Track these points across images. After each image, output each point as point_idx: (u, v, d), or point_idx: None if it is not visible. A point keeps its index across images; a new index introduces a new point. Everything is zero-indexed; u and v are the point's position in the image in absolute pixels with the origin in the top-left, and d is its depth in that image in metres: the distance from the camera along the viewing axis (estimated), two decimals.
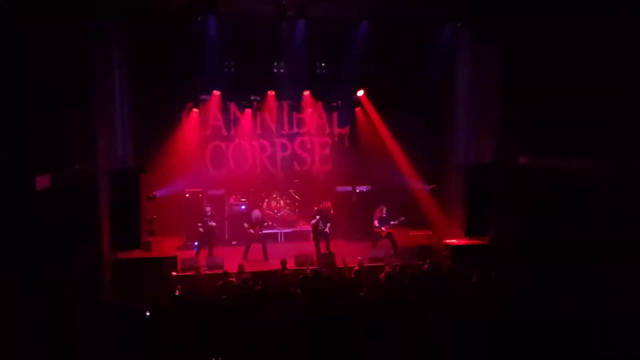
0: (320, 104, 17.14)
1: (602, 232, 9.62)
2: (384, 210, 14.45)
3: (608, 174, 9.44)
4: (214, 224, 14.02)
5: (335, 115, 17.20)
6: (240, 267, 11.85)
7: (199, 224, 13.89)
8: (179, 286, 10.32)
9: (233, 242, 15.40)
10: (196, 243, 14.23)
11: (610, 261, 9.49)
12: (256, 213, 14.30)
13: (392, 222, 14.24)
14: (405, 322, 7.29)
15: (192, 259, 12.97)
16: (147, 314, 7.83)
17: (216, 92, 15.84)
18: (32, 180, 8.10)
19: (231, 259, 13.34)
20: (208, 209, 14.11)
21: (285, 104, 17.16)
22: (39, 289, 8.40)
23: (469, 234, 12.88)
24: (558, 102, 11.08)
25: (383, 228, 14.17)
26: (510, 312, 8.05)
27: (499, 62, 12.90)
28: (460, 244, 13.39)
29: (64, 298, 9.13)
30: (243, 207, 15.73)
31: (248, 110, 16.58)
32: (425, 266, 11.65)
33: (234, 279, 10.66)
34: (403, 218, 14.66)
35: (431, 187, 16.04)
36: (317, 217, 14.07)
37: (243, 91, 15.65)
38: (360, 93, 16.45)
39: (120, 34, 12.28)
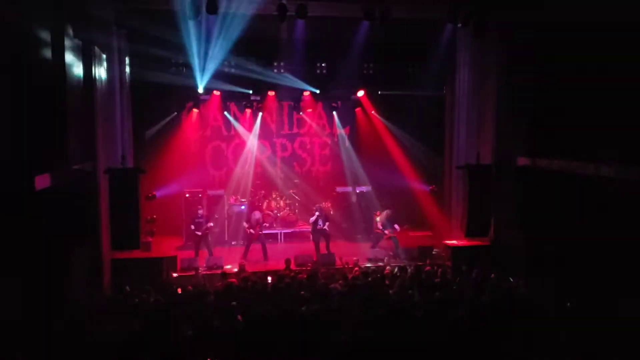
0: (320, 104, 17.16)
1: (604, 233, 9.60)
2: (390, 214, 14.34)
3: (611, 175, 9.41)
4: (211, 224, 13.98)
5: (335, 115, 17.19)
6: (241, 267, 11.84)
7: (192, 227, 13.75)
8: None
9: (233, 242, 15.39)
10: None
11: (612, 262, 9.49)
12: (256, 214, 14.28)
13: (396, 227, 14.14)
14: None
15: (191, 259, 12.95)
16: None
17: (216, 92, 15.85)
18: (31, 180, 8.08)
19: (231, 259, 13.35)
20: (201, 211, 13.94)
21: (285, 105, 17.19)
22: (39, 288, 8.39)
23: (469, 234, 12.85)
24: (558, 102, 11.08)
25: (386, 232, 14.10)
26: (512, 312, 8.06)
27: (499, 62, 12.89)
28: (460, 245, 13.37)
29: (64, 298, 9.12)
30: (243, 207, 15.71)
31: (248, 111, 16.58)
32: (427, 268, 11.65)
33: (234, 280, 10.63)
34: (407, 226, 14.62)
35: (431, 187, 16.04)
36: (317, 214, 14.04)
37: (243, 91, 15.61)
38: (360, 93, 16.45)
39: (120, 33, 12.25)
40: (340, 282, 10.23)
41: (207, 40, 13.45)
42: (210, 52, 13.75)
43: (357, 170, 16.76)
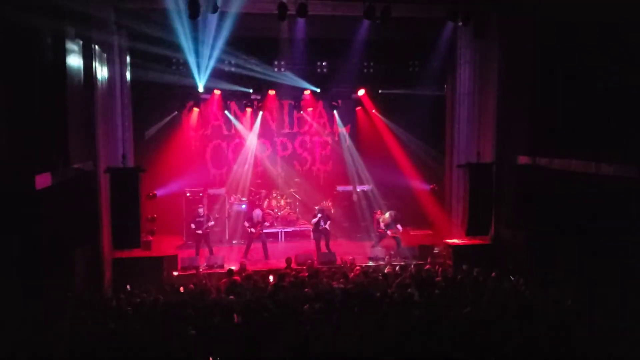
0: (320, 103, 17.15)
1: (604, 231, 9.60)
2: (394, 215, 14.24)
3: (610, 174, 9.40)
4: (211, 223, 13.95)
5: (335, 114, 17.19)
6: (242, 265, 11.82)
7: (193, 226, 13.68)
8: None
9: (233, 241, 15.38)
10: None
11: (612, 260, 9.49)
12: (257, 213, 14.26)
13: (399, 227, 14.08)
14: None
15: (192, 258, 12.95)
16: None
17: (217, 91, 15.84)
18: (32, 179, 8.09)
19: (232, 258, 13.36)
20: (201, 210, 13.85)
21: (285, 103, 17.18)
22: (40, 287, 8.40)
23: (469, 233, 12.85)
24: (559, 101, 11.07)
25: (389, 232, 14.03)
26: (513, 311, 8.06)
27: (500, 61, 12.88)
28: (460, 244, 13.36)
29: (66, 297, 9.13)
30: (243, 206, 15.71)
31: (249, 110, 16.57)
32: (427, 266, 11.66)
33: (238, 277, 10.64)
34: (409, 228, 14.78)
35: (432, 186, 16.02)
36: (319, 215, 14.02)
37: (244, 90, 15.61)
38: (361, 92, 16.43)
39: (120, 33, 12.26)
40: (342, 280, 10.24)
41: (206, 39, 13.44)
42: (209, 51, 13.74)
43: (359, 169, 16.77)
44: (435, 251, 13.74)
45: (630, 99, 9.20)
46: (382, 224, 14.18)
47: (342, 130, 17.43)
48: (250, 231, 13.98)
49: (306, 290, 9.31)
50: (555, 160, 10.99)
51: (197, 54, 13.82)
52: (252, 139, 16.72)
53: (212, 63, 14.18)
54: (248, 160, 16.78)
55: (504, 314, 7.91)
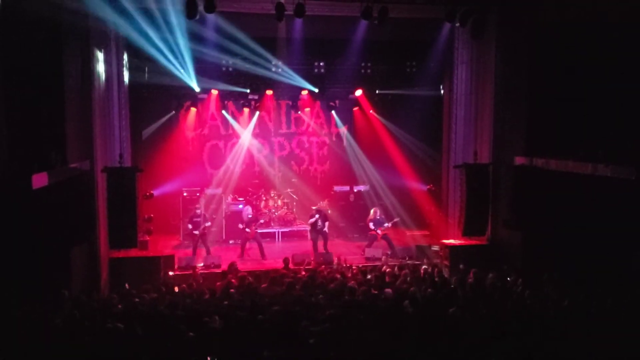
0: (318, 103, 17.16)
1: (600, 232, 9.63)
2: (378, 212, 14.35)
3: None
4: (208, 223, 13.92)
5: (333, 114, 17.20)
6: (232, 266, 11.68)
7: (190, 226, 13.63)
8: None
9: (230, 242, 15.37)
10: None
11: (609, 260, 9.52)
12: (247, 209, 14.19)
13: (386, 224, 14.13)
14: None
15: (189, 258, 12.93)
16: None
17: (214, 91, 15.83)
18: (28, 179, 8.07)
19: (229, 258, 13.32)
20: (198, 210, 13.79)
21: (283, 103, 17.18)
22: (37, 287, 8.38)
23: (466, 233, 12.87)
24: (555, 102, 11.11)
25: (378, 230, 14.05)
26: (509, 311, 8.08)
27: (497, 61, 12.90)
28: (457, 244, 13.38)
29: (63, 296, 9.11)
30: (240, 206, 15.70)
31: (246, 110, 16.56)
32: (424, 267, 11.66)
33: (234, 280, 10.60)
34: (397, 219, 14.65)
35: (429, 186, 16.04)
36: (316, 216, 14.01)
37: (241, 90, 15.60)
38: (358, 92, 16.44)
39: (118, 32, 12.24)
40: (353, 281, 10.20)
41: (204, 39, 13.44)
42: (206, 51, 13.74)
43: (360, 168, 16.82)
44: (433, 251, 13.75)
45: (627, 100, 9.23)
46: (370, 224, 14.18)
47: (343, 129, 17.45)
48: (246, 231, 13.93)
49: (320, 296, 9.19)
50: (552, 161, 11.02)
51: (193, 53, 13.81)
52: (245, 138, 16.72)
53: (208, 63, 14.19)
54: (240, 159, 16.76)
55: (501, 314, 7.93)
